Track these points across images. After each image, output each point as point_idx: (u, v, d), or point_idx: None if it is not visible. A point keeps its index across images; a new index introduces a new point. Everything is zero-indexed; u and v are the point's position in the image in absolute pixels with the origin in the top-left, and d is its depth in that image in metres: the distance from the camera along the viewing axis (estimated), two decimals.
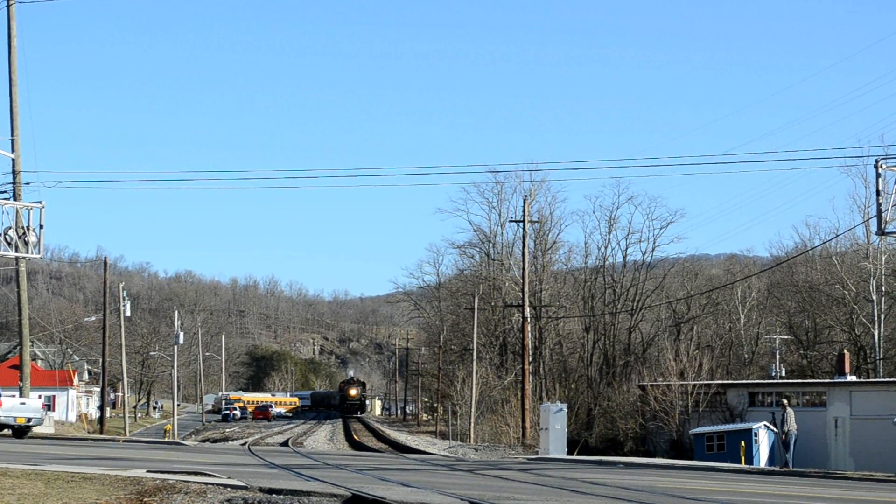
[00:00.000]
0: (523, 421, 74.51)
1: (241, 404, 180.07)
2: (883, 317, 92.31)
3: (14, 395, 61.43)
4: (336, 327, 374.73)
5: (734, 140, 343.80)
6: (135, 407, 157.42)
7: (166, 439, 77.00)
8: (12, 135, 60.17)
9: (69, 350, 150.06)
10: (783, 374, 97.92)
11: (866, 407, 65.97)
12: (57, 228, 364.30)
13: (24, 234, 51.26)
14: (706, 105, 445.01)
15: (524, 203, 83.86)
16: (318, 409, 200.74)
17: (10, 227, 50.08)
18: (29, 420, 57.48)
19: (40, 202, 51.60)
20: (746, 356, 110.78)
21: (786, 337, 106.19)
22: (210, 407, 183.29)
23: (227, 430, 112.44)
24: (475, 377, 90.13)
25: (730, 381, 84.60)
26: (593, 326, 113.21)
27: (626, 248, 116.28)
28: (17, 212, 51.78)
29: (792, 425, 49.37)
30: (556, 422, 57.13)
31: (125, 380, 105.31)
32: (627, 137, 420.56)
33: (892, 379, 78.62)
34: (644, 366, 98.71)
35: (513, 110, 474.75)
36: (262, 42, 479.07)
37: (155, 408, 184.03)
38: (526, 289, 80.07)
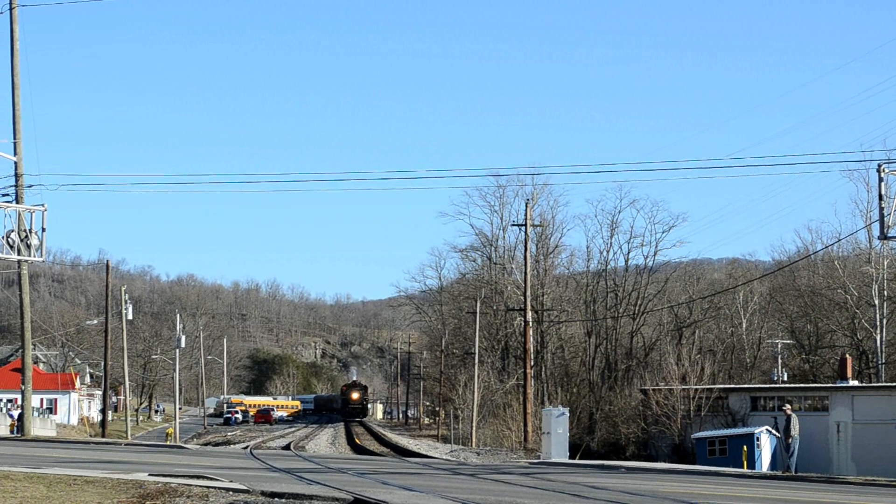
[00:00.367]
0: (525, 425, 74.46)
1: (243, 408, 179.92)
2: (885, 321, 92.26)
3: None
4: (338, 331, 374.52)
5: (736, 144, 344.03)
6: (136, 410, 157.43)
7: (168, 443, 77.03)
8: (14, 137, 60.15)
9: (71, 353, 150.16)
10: (785, 378, 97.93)
11: (868, 412, 65.95)
12: (59, 231, 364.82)
13: (26, 237, 51.25)
14: (708, 109, 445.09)
15: (526, 207, 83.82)
16: (321, 412, 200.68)
17: (13, 230, 50.03)
18: None
19: (42, 205, 51.57)
20: (748, 360, 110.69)
21: (788, 341, 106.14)
22: (212, 410, 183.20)
23: (229, 433, 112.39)
24: (477, 381, 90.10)
25: (732, 386, 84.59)
26: (595, 330, 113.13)
27: (628, 252, 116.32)
28: (20, 215, 51.77)
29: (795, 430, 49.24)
30: (558, 426, 57.13)
31: (127, 383, 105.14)
32: (630, 141, 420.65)
33: (894, 384, 78.61)
34: (646, 370, 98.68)
35: (515, 114, 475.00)
36: (267, 45, 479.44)
37: (157, 411, 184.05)
38: (528, 293, 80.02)
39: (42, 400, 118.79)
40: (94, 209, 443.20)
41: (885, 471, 48.46)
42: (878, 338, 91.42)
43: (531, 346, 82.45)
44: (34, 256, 52.16)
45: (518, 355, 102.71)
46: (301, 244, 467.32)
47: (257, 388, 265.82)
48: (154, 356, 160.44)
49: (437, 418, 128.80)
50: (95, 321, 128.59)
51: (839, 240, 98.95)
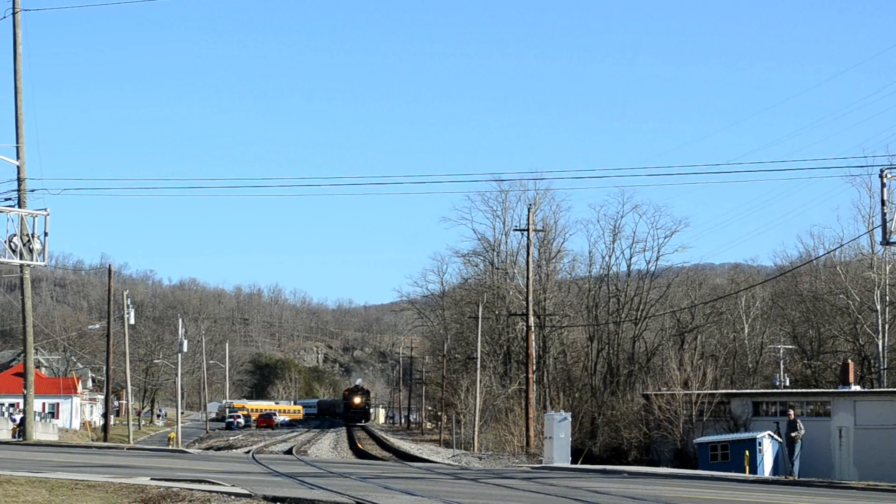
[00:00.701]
0: (527, 430, 74.43)
1: (245, 412, 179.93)
2: (887, 326, 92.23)
3: None
4: (340, 335, 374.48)
5: (739, 150, 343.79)
6: (139, 415, 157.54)
7: (170, 447, 76.97)
8: (17, 142, 60.24)
9: (73, 358, 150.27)
10: (787, 383, 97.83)
11: (870, 417, 65.95)
12: (61, 236, 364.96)
13: (28, 241, 51.27)
14: (711, 115, 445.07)
15: (528, 212, 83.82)
16: (325, 417, 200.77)
17: (15, 235, 50.03)
18: None
19: (45, 209, 51.59)
20: (750, 366, 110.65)
21: (790, 346, 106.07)
22: (214, 415, 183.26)
23: (231, 437, 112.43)
24: (479, 386, 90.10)
25: (734, 391, 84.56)
26: (597, 335, 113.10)
27: (631, 257, 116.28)
28: (22, 219, 51.78)
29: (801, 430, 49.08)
30: (560, 431, 57.13)
31: (129, 387, 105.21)
32: (632, 147, 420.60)
33: None
34: (648, 375, 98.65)
35: (517, 119, 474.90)
36: (270, 48, 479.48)
37: (159, 415, 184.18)
38: (530, 297, 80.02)
39: (44, 404, 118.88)
40: (97, 213, 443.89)
41: (887, 476, 48.45)
42: (880, 343, 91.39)
43: (533, 351, 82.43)
44: (36, 261, 52.17)
45: (520, 360, 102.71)
46: (303, 248, 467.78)
47: (259, 392, 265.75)
48: (156, 361, 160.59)
49: (440, 423, 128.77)
50: (97, 325, 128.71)
51: (841, 245, 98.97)
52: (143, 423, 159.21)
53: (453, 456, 71.00)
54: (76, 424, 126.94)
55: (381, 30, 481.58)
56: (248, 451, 67.45)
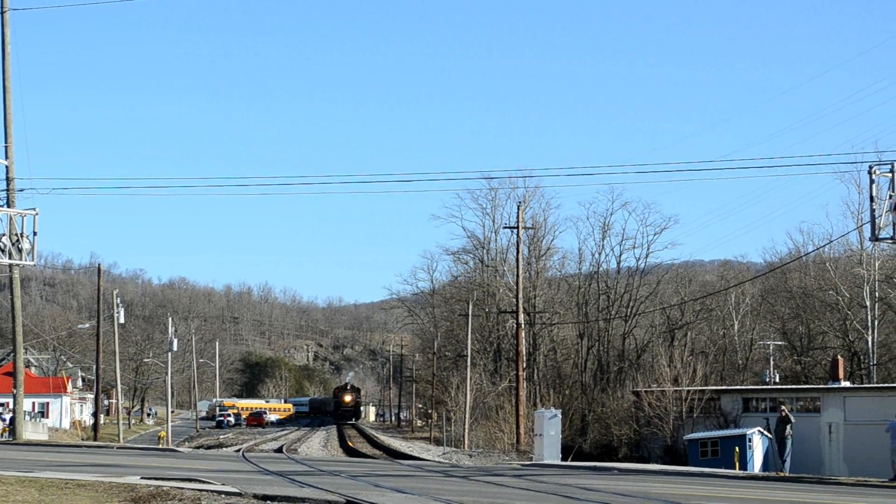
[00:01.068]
0: (518, 427, 74.47)
1: (236, 411, 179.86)
2: (876, 322, 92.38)
3: None
4: (330, 334, 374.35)
5: (728, 146, 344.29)
6: (129, 413, 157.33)
7: (160, 446, 76.90)
8: (6, 141, 60.16)
9: (63, 357, 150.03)
10: (777, 379, 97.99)
11: (860, 413, 66.06)
12: (51, 235, 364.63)
13: (17, 240, 51.20)
14: (700, 112, 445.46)
15: (518, 209, 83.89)
16: (316, 415, 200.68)
17: (4, 234, 49.97)
18: None
19: (34, 209, 51.54)
20: (740, 362, 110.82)
21: (780, 343, 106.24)
22: (204, 413, 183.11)
23: (222, 436, 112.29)
24: (469, 383, 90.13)
25: (724, 387, 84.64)
26: (587, 332, 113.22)
27: (620, 255, 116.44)
28: (11, 219, 51.71)
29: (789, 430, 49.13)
30: (550, 428, 57.15)
31: (119, 386, 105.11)
32: (621, 144, 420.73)
33: (885, 385, 78.69)
34: (638, 372, 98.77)
35: (507, 117, 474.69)
36: (257, 49, 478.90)
37: (149, 414, 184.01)
38: (520, 295, 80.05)
39: (34, 404, 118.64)
40: (86, 213, 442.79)
41: (877, 472, 48.48)
42: (870, 339, 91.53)
43: (523, 349, 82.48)
44: (26, 260, 52.10)
45: (510, 357, 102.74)
46: (293, 247, 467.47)
47: (249, 391, 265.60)
48: (146, 359, 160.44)
49: (430, 420, 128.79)
50: (87, 325, 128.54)
51: (831, 241, 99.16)
52: (133, 422, 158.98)
53: (444, 453, 71.02)
54: (66, 424, 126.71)
55: (372, 29, 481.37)
56: (238, 450, 67.42)
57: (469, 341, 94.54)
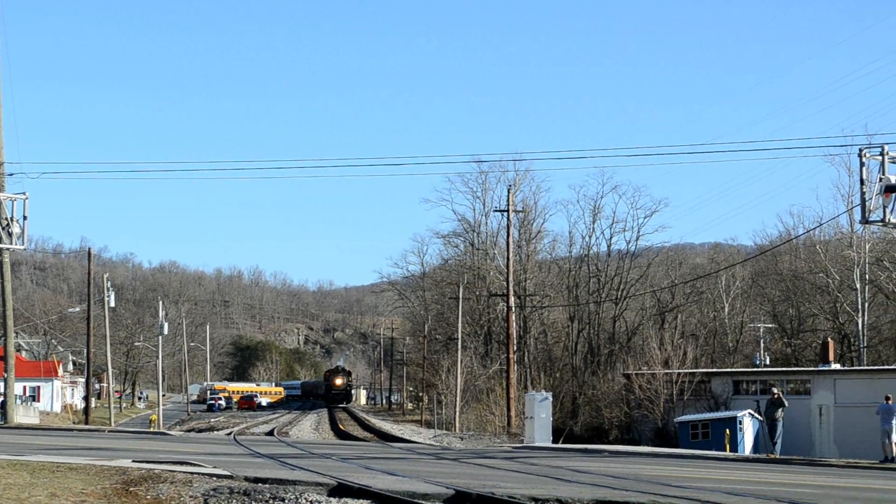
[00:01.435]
0: (508, 410, 74.55)
1: (227, 394, 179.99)
2: (867, 305, 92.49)
3: None
4: (321, 317, 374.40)
5: (718, 130, 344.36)
6: (120, 397, 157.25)
7: (151, 429, 77.03)
8: None
9: (54, 341, 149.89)
10: (767, 362, 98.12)
11: (850, 395, 66.19)
12: (41, 219, 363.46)
13: (7, 225, 51.18)
14: (690, 95, 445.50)
15: (508, 193, 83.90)
16: (307, 398, 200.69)
17: None
18: None
19: (24, 193, 51.48)
20: (731, 345, 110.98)
21: (770, 325, 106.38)
22: (195, 397, 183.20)
23: (213, 419, 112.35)
24: (460, 366, 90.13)
25: (714, 370, 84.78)
26: (578, 315, 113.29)
27: (611, 238, 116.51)
28: (1, 203, 51.68)
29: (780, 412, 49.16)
30: (541, 410, 57.21)
31: (110, 370, 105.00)
32: (612, 128, 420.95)
33: (875, 367, 78.85)
34: (629, 354, 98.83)
35: (497, 101, 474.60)
36: (246, 32, 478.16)
37: (140, 398, 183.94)
38: (510, 278, 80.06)
39: (25, 388, 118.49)
40: (76, 197, 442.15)
41: (867, 454, 48.61)
42: (860, 321, 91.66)
43: (514, 332, 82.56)
44: (16, 244, 52.08)
45: (501, 340, 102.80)
46: (283, 231, 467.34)
47: (240, 374, 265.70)
48: (137, 343, 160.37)
49: (421, 404, 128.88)
50: (78, 309, 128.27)
51: (821, 224, 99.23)
52: (124, 405, 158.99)
53: (434, 436, 71.09)
54: (57, 407, 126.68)
55: (363, 13, 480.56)
56: (229, 433, 67.50)
57: (459, 324, 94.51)
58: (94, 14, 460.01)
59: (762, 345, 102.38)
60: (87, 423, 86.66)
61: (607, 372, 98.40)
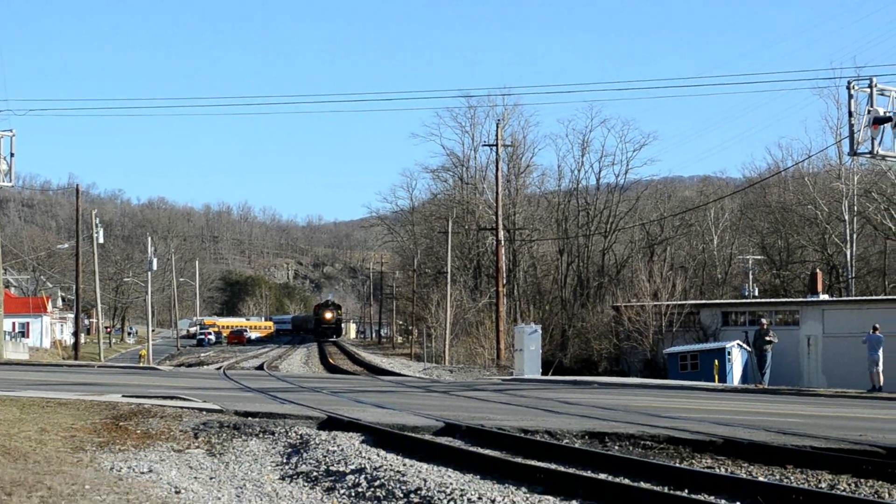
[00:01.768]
0: (498, 342, 74.77)
1: (216, 329, 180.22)
2: (855, 236, 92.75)
3: None
4: (310, 252, 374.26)
5: (707, 63, 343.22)
6: (109, 333, 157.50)
7: (141, 365, 77.00)
8: None
9: (42, 277, 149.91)
10: (756, 293, 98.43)
11: (838, 325, 66.49)
12: (28, 156, 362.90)
13: None
14: (678, 28, 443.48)
15: (497, 127, 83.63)
16: (297, 332, 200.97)
17: None
18: None
19: (11, 130, 51.29)
20: (720, 276, 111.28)
21: (759, 257, 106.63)
22: (185, 332, 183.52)
23: (202, 354, 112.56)
24: (449, 300, 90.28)
25: (703, 302, 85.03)
26: (567, 249, 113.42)
27: (600, 171, 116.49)
28: None
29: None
30: (530, 343, 57.33)
31: (99, 306, 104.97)
32: (600, 61, 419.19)
33: (863, 297, 79.18)
34: (618, 287, 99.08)
35: (486, 35, 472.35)
36: None
37: (129, 333, 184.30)
38: (499, 212, 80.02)
39: (14, 324, 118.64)
40: (64, 134, 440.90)
41: (855, 383, 48.83)
42: (848, 253, 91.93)
43: (503, 265, 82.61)
44: (3, 182, 51.91)
45: (490, 274, 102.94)
46: (272, 166, 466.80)
47: (230, 309, 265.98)
48: (126, 279, 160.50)
49: (410, 337, 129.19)
50: (66, 245, 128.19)
51: (809, 156, 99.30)
52: (113, 341, 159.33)
53: (424, 369, 71.28)
54: (47, 343, 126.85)
55: None
56: (219, 368, 67.56)
57: (449, 258, 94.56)
58: None
59: (751, 276, 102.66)
60: (76, 358, 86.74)
61: (596, 304, 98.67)
